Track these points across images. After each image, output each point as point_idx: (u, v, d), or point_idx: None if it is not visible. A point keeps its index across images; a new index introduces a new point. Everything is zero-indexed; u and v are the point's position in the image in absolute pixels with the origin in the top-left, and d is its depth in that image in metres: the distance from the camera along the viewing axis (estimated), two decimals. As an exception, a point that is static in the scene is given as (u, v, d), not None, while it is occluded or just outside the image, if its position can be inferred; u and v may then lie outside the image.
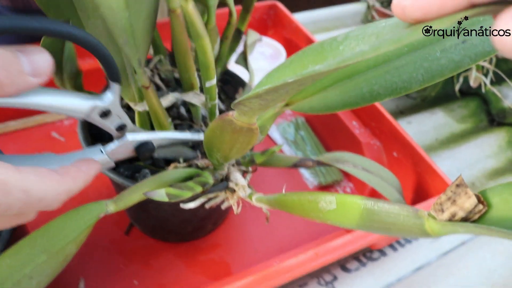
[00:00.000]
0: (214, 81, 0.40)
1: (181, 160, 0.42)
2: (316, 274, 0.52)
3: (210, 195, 0.39)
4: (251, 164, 0.42)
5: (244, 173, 0.41)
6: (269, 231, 0.54)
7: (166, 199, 0.33)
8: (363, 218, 0.27)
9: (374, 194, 0.57)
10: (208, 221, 0.52)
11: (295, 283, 0.51)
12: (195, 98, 0.43)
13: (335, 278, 0.52)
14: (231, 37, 0.46)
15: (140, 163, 0.43)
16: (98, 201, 0.34)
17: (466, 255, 0.58)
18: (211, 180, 0.38)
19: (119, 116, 0.33)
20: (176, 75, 0.49)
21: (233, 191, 0.39)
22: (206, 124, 0.46)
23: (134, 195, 0.34)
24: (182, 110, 0.47)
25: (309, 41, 0.70)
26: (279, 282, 0.40)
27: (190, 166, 0.41)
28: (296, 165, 0.43)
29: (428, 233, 0.24)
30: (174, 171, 0.38)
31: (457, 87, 0.67)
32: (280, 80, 0.23)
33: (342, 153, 0.46)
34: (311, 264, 0.41)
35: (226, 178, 0.40)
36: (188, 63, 0.40)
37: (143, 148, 0.36)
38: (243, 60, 0.54)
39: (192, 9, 0.32)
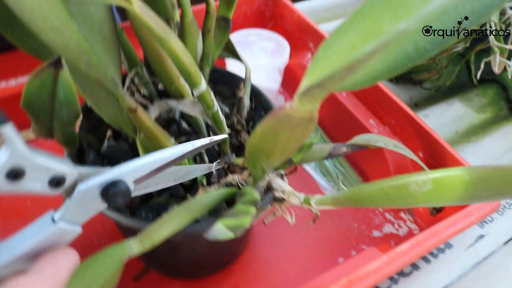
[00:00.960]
0: (202, 87, 0.33)
1: (204, 182, 0.35)
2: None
3: (260, 213, 0.34)
4: (288, 165, 0.36)
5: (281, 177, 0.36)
6: (289, 253, 0.48)
7: (231, 235, 0.28)
8: (469, 190, 0.24)
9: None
10: (241, 243, 0.46)
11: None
12: (191, 108, 0.37)
13: (364, 300, 0.46)
14: (213, 29, 0.39)
15: (160, 200, 0.37)
16: (119, 242, 0.28)
17: (506, 262, 0.52)
18: (257, 196, 0.32)
19: (41, 167, 0.22)
20: (160, 86, 0.42)
21: (280, 200, 0.34)
22: (214, 133, 0.40)
23: (162, 230, 0.29)
24: (184, 124, 0.40)
25: (314, 32, 0.63)
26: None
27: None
28: (331, 155, 0.38)
29: None
30: (207, 195, 0.32)
31: (478, 74, 0.61)
32: (356, 48, 0.21)
33: (369, 135, 0.42)
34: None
35: (268, 188, 0.35)
36: (167, 70, 0.34)
37: (109, 192, 0.24)
38: (229, 52, 0.47)
39: (139, 10, 0.25)
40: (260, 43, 0.62)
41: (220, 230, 0.28)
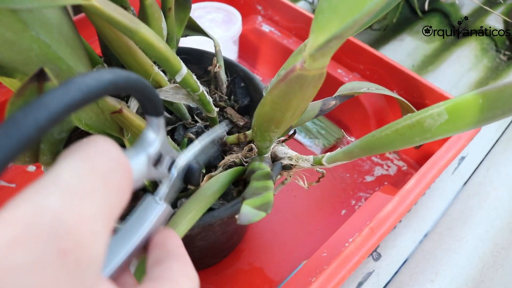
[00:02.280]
0: (184, 71, 0.31)
1: (203, 170, 0.34)
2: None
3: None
4: (287, 131, 0.35)
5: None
6: (292, 219, 0.48)
7: (263, 214, 0.27)
8: (484, 112, 0.24)
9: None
10: None
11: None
12: (174, 94, 0.35)
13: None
14: (174, 7, 0.37)
15: None
16: None
17: (489, 176, 0.55)
18: (268, 169, 0.31)
19: (171, 154, 0.24)
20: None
21: (289, 167, 0.33)
22: (197, 115, 0.38)
23: (181, 226, 0.28)
24: (166, 114, 0.38)
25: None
26: (345, 275, 0.33)
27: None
28: (322, 111, 0.38)
29: None
30: (215, 180, 0.31)
31: (426, 4, 0.62)
32: None
33: (352, 83, 0.43)
34: (371, 242, 0.35)
35: (274, 159, 0.34)
36: (140, 62, 0.32)
37: (192, 172, 0.27)
38: (191, 29, 0.45)
39: (100, 4, 0.23)
40: (208, 16, 0.60)
41: (251, 212, 0.27)
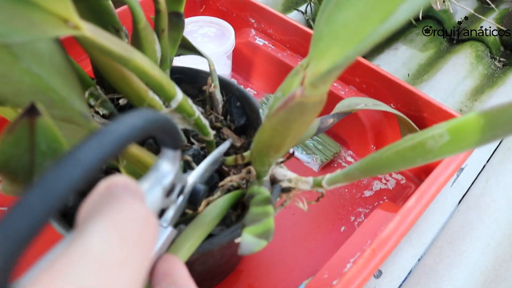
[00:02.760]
0: (179, 97, 0.31)
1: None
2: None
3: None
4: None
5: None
6: (292, 238, 0.47)
7: (264, 243, 0.26)
8: (485, 132, 0.24)
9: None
10: None
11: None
12: None
13: (377, 260, 0.46)
14: (167, 27, 0.36)
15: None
16: None
17: (488, 187, 0.54)
18: (268, 193, 0.30)
19: (183, 182, 0.24)
20: (121, 101, 0.39)
21: (288, 190, 0.33)
22: (193, 137, 0.37)
23: (181, 254, 0.27)
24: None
25: (253, 7, 0.61)
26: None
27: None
28: (320, 129, 0.38)
29: None
30: (214, 206, 0.30)
31: (420, 12, 0.62)
32: (367, 18, 0.20)
33: (349, 99, 0.43)
34: (372, 264, 0.34)
35: (273, 181, 0.33)
36: (135, 88, 0.31)
37: (197, 196, 0.26)
38: (185, 48, 0.44)
39: (91, 34, 0.22)
40: (200, 30, 0.59)
41: (252, 241, 0.26)
